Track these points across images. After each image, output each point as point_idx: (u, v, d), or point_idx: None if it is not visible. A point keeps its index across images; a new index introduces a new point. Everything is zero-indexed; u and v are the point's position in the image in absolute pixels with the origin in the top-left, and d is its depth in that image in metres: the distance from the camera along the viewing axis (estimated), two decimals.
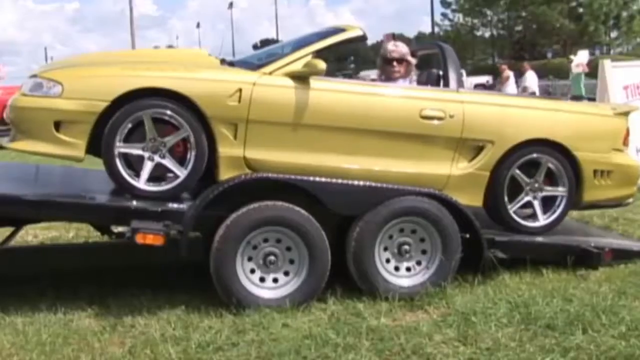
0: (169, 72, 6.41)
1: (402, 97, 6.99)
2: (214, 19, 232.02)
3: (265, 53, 7.80)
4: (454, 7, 72.68)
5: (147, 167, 6.30)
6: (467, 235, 6.58)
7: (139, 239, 5.85)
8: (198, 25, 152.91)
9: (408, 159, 6.83)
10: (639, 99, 11.10)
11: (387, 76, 7.47)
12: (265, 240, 6.12)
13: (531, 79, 23.72)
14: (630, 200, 7.99)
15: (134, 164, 6.31)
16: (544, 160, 7.18)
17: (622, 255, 7.36)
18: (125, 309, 6.08)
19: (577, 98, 19.17)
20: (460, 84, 7.24)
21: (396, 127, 6.77)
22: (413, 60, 7.50)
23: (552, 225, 7.32)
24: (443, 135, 6.87)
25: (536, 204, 7.26)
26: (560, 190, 7.28)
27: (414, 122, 6.79)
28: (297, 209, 6.12)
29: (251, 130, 6.41)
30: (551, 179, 7.28)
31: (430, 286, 6.33)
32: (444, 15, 73.60)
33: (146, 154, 6.28)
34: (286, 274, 6.16)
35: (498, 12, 69.59)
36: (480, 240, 6.62)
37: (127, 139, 6.24)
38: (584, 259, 7.10)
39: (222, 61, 7.14)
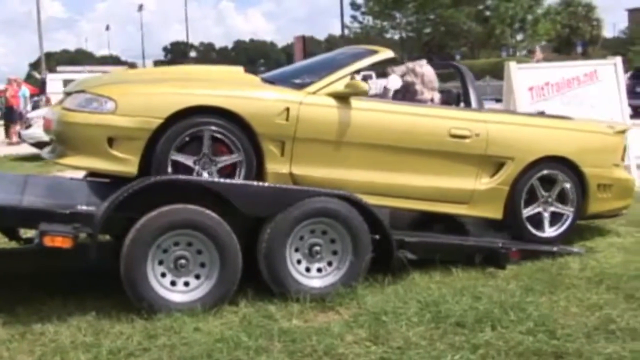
0: (221, 90, 6.59)
1: (431, 117, 7.38)
2: (123, 21, 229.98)
3: (299, 70, 8.03)
4: (363, 9, 73.12)
5: None
6: (377, 236, 6.62)
7: (47, 241, 5.77)
8: (107, 28, 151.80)
9: (438, 175, 7.35)
10: (543, 100, 11.33)
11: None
12: (176, 244, 6.07)
13: (393, 81, 23.96)
14: (625, 211, 8.73)
15: (180, 167, 6.43)
16: (558, 176, 7.84)
17: (529, 255, 7.52)
18: (34, 316, 5.97)
19: None
20: (480, 103, 7.76)
21: (428, 145, 7.22)
22: (408, 78, 8.16)
23: (561, 236, 7.91)
24: (469, 152, 7.41)
25: (546, 216, 7.84)
26: (568, 209, 7.96)
27: (444, 140, 7.26)
28: (208, 212, 6.08)
29: (297, 148, 6.72)
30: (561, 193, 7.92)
31: (341, 287, 6.37)
32: (353, 17, 74.02)
33: (196, 168, 6.43)
34: (197, 277, 6.12)
35: (407, 15, 70.18)
36: (390, 241, 6.69)
37: (180, 150, 6.40)
38: (491, 258, 7.25)
39: (263, 79, 7.42)
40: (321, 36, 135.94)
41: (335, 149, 6.92)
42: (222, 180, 6.37)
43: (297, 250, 6.46)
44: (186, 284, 6.10)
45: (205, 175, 6.45)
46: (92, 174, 7.51)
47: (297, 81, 7.24)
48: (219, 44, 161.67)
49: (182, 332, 5.53)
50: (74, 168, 6.61)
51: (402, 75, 8.10)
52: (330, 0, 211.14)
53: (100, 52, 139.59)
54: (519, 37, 68.83)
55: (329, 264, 6.53)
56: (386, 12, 70.83)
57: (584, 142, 8.20)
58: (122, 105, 6.31)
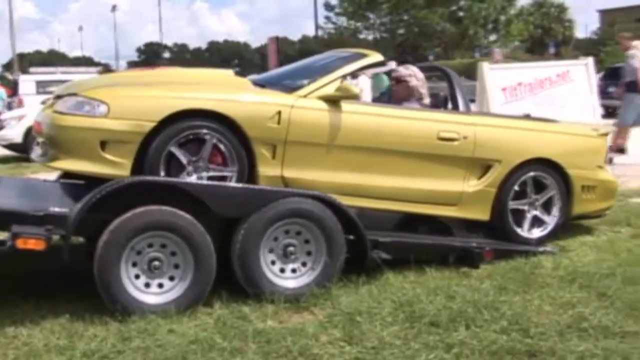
0: (214, 93, 6.64)
1: (421, 120, 7.49)
2: (96, 21, 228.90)
3: (290, 74, 8.11)
4: (337, 10, 73.00)
5: None
6: (351, 237, 6.63)
7: (20, 244, 5.71)
8: (80, 29, 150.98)
9: (427, 177, 7.46)
10: (516, 100, 11.42)
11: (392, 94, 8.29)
12: (150, 246, 6.05)
13: (363, 82, 23.84)
14: (609, 212, 8.91)
15: (172, 169, 6.48)
16: (544, 178, 8.00)
17: (503, 254, 7.55)
18: (7, 319, 5.91)
19: None
20: (467, 106, 7.91)
21: (417, 148, 7.34)
22: (414, 83, 8.06)
23: (546, 237, 8.10)
24: (457, 155, 7.54)
25: (528, 217, 8.00)
26: (550, 218, 8.11)
27: (433, 143, 7.38)
28: (181, 213, 6.06)
29: (289, 151, 6.80)
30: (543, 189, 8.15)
31: (315, 287, 6.37)
32: (327, 18, 73.89)
33: (189, 168, 6.48)
34: (171, 279, 6.10)
35: (381, 16, 70.11)
36: (364, 241, 6.70)
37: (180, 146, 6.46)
38: (465, 257, 7.29)
39: (253, 82, 7.49)
40: (295, 37, 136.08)
41: (326, 152, 7.00)
42: (195, 181, 6.36)
43: (271, 251, 6.45)
44: (160, 285, 6.08)
45: (194, 177, 6.48)
46: (65, 175, 7.49)
47: (288, 84, 7.32)
48: (192, 44, 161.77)
49: (156, 334, 5.50)
50: (66, 171, 6.58)
51: (402, 79, 8.13)
52: (303, 1, 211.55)
53: (73, 53, 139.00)
54: (492, 37, 69.08)
55: (303, 264, 6.53)
56: (360, 13, 70.71)
57: (569, 144, 8.38)
58: (114, 109, 6.32)
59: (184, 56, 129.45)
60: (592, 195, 8.44)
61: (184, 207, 6.12)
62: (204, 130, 6.43)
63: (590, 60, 12.83)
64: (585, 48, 61.05)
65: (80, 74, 35.95)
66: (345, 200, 6.87)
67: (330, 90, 7.02)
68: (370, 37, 72.07)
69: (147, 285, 6.05)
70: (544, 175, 8.00)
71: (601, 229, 8.92)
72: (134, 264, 6.02)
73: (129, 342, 5.39)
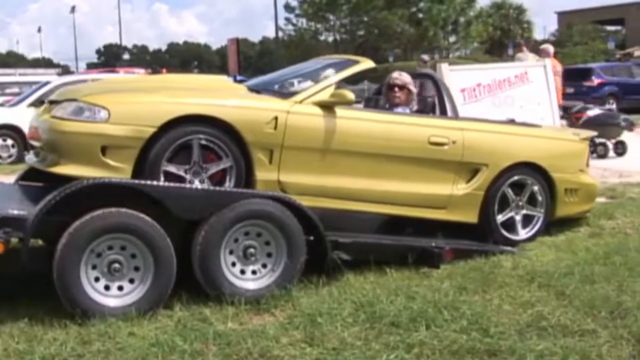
0: (213, 99, 6.74)
1: (412, 125, 7.63)
2: (55, 23, 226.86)
3: (284, 79, 8.27)
4: (297, 11, 73.10)
5: None
6: (312, 238, 6.64)
7: None
8: (39, 30, 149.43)
9: (418, 181, 7.61)
10: (475, 101, 11.48)
11: (389, 100, 8.32)
12: (110, 248, 6.01)
13: None
14: (589, 214, 9.26)
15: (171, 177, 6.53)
16: (529, 181, 8.17)
17: (463, 254, 7.59)
18: None
19: None
20: (455, 112, 8.05)
21: (409, 152, 7.58)
22: (414, 89, 8.22)
23: (532, 238, 8.34)
24: (447, 159, 7.72)
25: (518, 219, 8.19)
26: (539, 211, 8.31)
27: (424, 148, 7.62)
28: (141, 215, 6.03)
29: (285, 156, 6.95)
30: (531, 196, 8.34)
31: (276, 289, 6.36)
32: (287, 20, 73.98)
33: (187, 177, 6.52)
34: (131, 281, 6.06)
35: (341, 17, 70.38)
36: (324, 242, 6.71)
37: (171, 160, 6.53)
38: (425, 258, 7.31)
39: (249, 88, 7.61)
40: (255, 38, 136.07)
41: (321, 157, 7.13)
42: (155, 183, 6.33)
43: (231, 252, 6.43)
44: (120, 288, 6.04)
45: (196, 182, 6.55)
46: (24, 177, 7.45)
47: (284, 90, 7.51)
48: (152, 46, 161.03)
49: (117, 337, 5.47)
50: (67, 176, 6.55)
51: (406, 86, 8.23)
52: (264, 2, 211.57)
53: (32, 54, 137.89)
54: (452, 39, 69.51)
55: (264, 266, 6.52)
56: (320, 15, 70.94)
57: (553, 148, 8.62)
58: (115, 114, 6.35)
59: (143, 58, 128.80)
60: (575, 198, 8.67)
61: (144, 209, 6.10)
62: (202, 136, 6.49)
63: (548, 61, 12.95)
64: None
65: (39, 75, 35.76)
66: (339, 204, 7.12)
67: (325, 96, 7.14)
68: (330, 39, 72.29)
69: (107, 287, 6.01)
70: (528, 179, 8.18)
71: (560, 229, 8.98)
72: (94, 267, 5.97)
73: (89, 346, 5.35)
